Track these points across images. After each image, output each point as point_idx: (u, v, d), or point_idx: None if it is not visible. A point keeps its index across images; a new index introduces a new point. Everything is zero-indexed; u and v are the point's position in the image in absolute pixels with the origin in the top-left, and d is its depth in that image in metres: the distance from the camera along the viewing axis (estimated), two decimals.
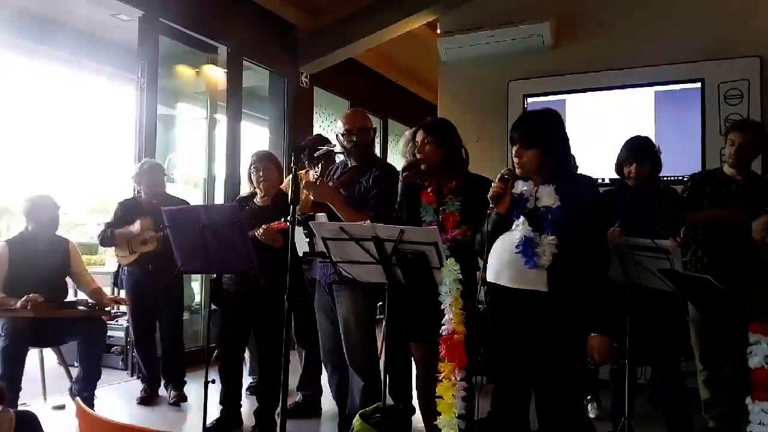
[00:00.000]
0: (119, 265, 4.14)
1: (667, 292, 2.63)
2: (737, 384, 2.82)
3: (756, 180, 3.20)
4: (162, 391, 4.10)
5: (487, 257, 2.34)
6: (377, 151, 8.02)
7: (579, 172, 2.65)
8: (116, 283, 4.28)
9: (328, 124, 7.07)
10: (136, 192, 4.23)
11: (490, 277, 2.33)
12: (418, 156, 2.73)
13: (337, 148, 3.05)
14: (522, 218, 2.21)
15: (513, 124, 2.35)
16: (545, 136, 2.26)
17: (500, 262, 2.28)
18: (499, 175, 2.26)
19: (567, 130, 2.34)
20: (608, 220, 2.51)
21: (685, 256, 3.04)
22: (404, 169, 2.70)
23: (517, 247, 2.20)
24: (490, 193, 2.24)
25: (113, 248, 4.09)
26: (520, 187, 2.27)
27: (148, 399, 4.03)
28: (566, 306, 2.16)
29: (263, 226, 3.15)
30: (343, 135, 3.00)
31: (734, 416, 2.95)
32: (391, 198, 2.85)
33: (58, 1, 4.93)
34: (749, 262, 2.95)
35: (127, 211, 4.00)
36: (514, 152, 2.28)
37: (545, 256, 2.16)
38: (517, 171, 2.30)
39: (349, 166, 3.07)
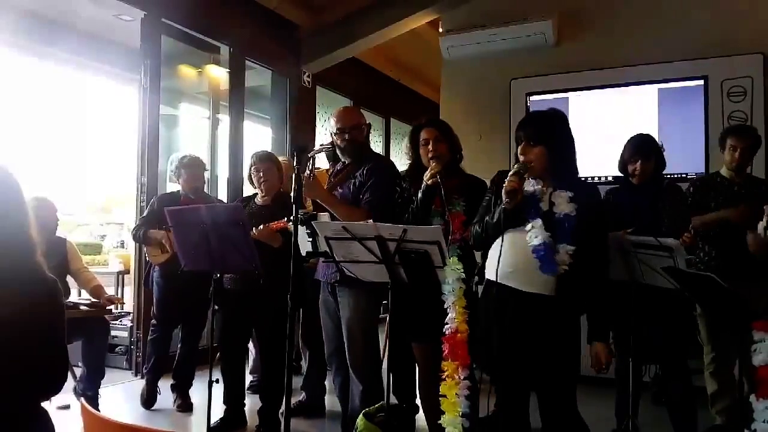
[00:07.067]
0: (150, 264, 4.11)
1: (673, 289, 2.63)
2: (742, 382, 2.82)
3: (752, 181, 3.33)
4: (167, 390, 4.08)
5: (487, 252, 2.32)
6: (380, 149, 8.07)
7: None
8: (146, 282, 4.21)
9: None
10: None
11: (493, 276, 2.27)
12: (430, 155, 2.69)
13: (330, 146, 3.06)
14: (539, 221, 2.16)
15: (519, 123, 2.33)
16: (551, 134, 2.23)
17: (511, 263, 2.21)
18: (513, 170, 2.20)
19: (570, 128, 2.32)
20: (608, 226, 2.52)
21: (692, 254, 3.05)
22: (433, 175, 2.61)
23: (536, 251, 2.15)
24: (506, 188, 2.15)
25: (146, 247, 4.04)
26: (532, 186, 2.23)
27: (151, 398, 4.02)
28: (573, 311, 2.18)
29: (261, 226, 3.15)
30: (335, 133, 3.01)
31: (740, 413, 2.95)
32: (387, 189, 2.85)
33: (62, 2, 4.94)
34: (756, 260, 2.94)
35: (163, 207, 3.94)
36: (519, 150, 2.25)
37: (562, 265, 2.14)
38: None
39: (344, 163, 3.08)
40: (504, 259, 2.22)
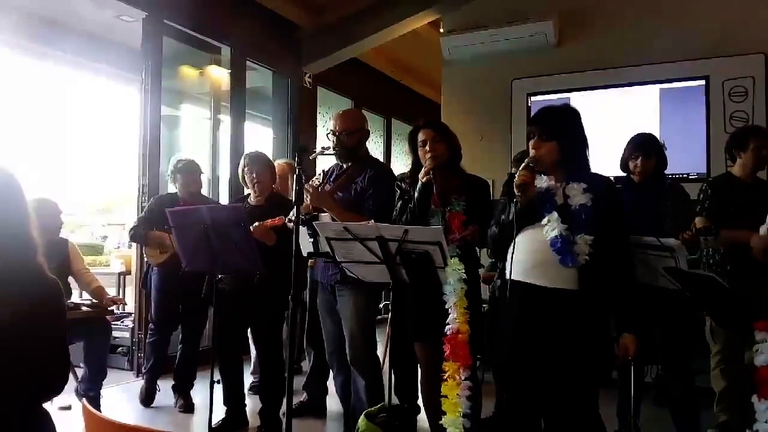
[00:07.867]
0: (148, 265, 4.10)
1: (675, 289, 2.62)
2: (744, 381, 2.82)
3: (759, 182, 3.31)
4: (168, 390, 4.08)
5: (505, 251, 2.29)
6: (381, 150, 8.07)
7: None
8: (144, 284, 4.21)
9: None
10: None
11: (514, 275, 2.23)
12: (428, 156, 2.69)
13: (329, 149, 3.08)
14: (555, 214, 2.15)
15: (532, 118, 2.33)
16: (564, 129, 2.23)
17: (531, 260, 2.19)
18: (524, 164, 2.18)
19: (582, 124, 2.31)
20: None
21: (695, 254, 3.04)
22: (426, 172, 2.62)
23: (553, 244, 2.13)
24: (517, 182, 2.14)
25: (145, 248, 4.05)
26: (545, 182, 2.21)
27: (150, 396, 4.02)
28: (599, 306, 2.16)
29: (255, 224, 3.16)
30: (328, 135, 3.05)
31: (744, 411, 2.95)
32: (388, 197, 2.86)
33: (63, 3, 4.95)
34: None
35: (162, 207, 3.92)
36: (531, 145, 2.23)
37: (582, 256, 2.12)
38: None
39: (344, 167, 3.09)
40: (524, 256, 2.19)
